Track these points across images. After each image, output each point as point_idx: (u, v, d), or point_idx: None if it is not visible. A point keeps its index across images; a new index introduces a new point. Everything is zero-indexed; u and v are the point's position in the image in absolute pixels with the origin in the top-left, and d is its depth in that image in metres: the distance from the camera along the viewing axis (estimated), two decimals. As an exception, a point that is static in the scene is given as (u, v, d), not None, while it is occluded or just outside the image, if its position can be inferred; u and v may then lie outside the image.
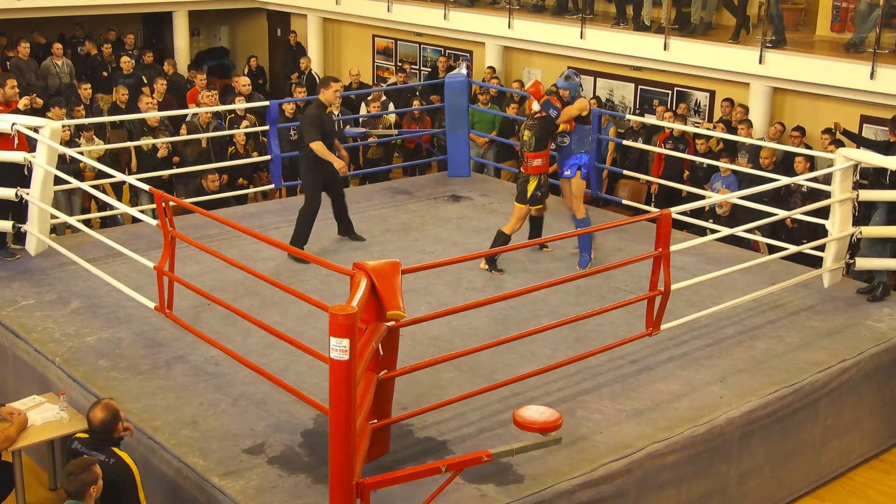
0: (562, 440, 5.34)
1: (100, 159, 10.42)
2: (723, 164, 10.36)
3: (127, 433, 5.54)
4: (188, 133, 11.28)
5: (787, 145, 11.10)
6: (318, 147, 8.80)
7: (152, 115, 11.43)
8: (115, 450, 5.35)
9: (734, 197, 8.94)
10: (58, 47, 15.12)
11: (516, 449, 5.08)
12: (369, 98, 13.32)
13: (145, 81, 14.11)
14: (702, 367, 7.06)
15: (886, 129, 9.84)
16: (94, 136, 11.34)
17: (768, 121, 11.69)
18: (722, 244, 9.24)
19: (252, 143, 11.88)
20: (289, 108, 12.20)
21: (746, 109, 11.70)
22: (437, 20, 15.03)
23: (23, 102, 11.02)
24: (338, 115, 12.78)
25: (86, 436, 5.49)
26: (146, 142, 10.85)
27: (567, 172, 8.92)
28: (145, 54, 15.82)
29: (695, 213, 9.83)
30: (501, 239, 8.74)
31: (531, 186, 8.73)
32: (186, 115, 11.98)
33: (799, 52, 11.36)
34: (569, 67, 10.98)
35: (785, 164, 10.64)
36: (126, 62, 14.62)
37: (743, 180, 10.43)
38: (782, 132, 11.27)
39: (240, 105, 11.93)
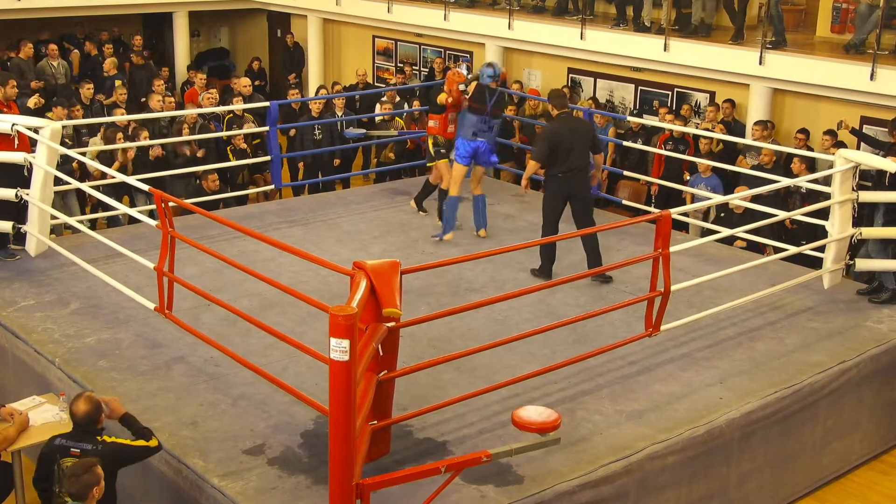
0: (560, 440, 5.34)
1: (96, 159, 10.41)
2: (706, 161, 10.35)
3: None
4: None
5: (785, 146, 11.10)
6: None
7: (139, 116, 11.41)
8: (98, 437, 5.41)
9: (734, 198, 8.94)
10: (52, 48, 15.09)
11: (515, 449, 5.07)
12: (383, 99, 13.33)
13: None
14: (701, 369, 7.06)
15: (885, 130, 9.84)
16: (99, 139, 11.32)
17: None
18: (722, 245, 9.24)
19: (250, 143, 11.85)
20: (315, 107, 12.29)
21: (733, 105, 11.78)
22: (438, 21, 15.01)
23: (32, 101, 11.07)
24: (340, 116, 12.79)
25: (68, 430, 5.52)
26: (134, 144, 10.80)
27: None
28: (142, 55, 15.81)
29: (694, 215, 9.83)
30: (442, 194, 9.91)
31: (430, 143, 10.12)
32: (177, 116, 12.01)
33: (799, 53, 11.34)
34: (489, 64, 9.98)
35: (784, 165, 10.63)
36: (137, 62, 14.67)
37: (743, 181, 10.42)
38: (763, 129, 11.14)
39: (238, 106, 11.91)
